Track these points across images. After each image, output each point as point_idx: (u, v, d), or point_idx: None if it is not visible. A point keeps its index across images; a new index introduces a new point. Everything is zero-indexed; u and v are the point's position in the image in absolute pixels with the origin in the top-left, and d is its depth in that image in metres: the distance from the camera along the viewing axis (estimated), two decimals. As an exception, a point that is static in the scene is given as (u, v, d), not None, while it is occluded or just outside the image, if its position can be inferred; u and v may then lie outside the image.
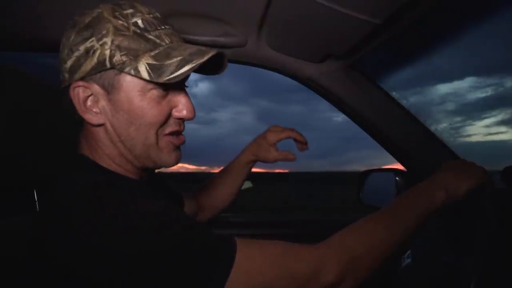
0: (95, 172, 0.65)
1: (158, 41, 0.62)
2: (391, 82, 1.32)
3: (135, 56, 0.60)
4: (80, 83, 0.62)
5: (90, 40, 0.60)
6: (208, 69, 0.70)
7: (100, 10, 0.61)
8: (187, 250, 0.52)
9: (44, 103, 0.71)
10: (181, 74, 0.58)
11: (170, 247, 0.51)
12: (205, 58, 0.59)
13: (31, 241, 0.58)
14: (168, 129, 0.67)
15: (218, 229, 1.46)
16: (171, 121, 0.67)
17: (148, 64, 0.59)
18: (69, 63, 0.62)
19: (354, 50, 1.05)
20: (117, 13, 0.61)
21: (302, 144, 1.07)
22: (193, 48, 0.62)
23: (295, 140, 1.07)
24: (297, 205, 13.94)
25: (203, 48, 0.62)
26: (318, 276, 0.57)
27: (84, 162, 0.67)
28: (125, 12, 0.62)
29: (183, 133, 0.72)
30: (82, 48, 0.60)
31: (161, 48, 0.61)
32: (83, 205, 0.54)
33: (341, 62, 1.20)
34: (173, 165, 0.70)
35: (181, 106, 0.67)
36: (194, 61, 0.59)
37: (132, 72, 0.59)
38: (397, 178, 1.36)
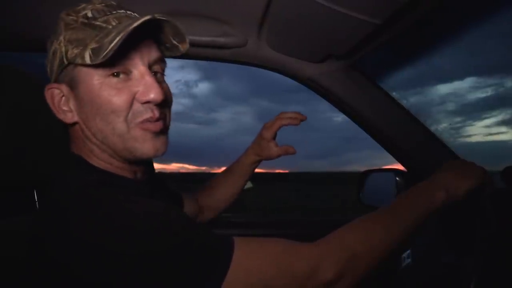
0: (88, 170, 0.65)
1: (104, 25, 0.60)
2: (391, 82, 1.32)
3: (84, 45, 0.59)
4: (53, 85, 0.64)
5: (54, 42, 0.63)
6: (170, 46, 0.69)
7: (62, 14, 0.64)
8: (186, 250, 0.52)
9: (44, 103, 0.71)
10: (113, 46, 0.54)
11: (168, 247, 0.51)
12: (135, 24, 0.55)
13: (31, 241, 0.58)
14: (140, 116, 0.63)
15: (219, 229, 1.46)
16: (140, 107, 0.63)
17: (92, 49, 0.57)
18: (48, 69, 0.66)
19: (354, 50, 1.05)
20: (70, 11, 0.63)
21: (299, 119, 1.03)
22: (130, 20, 0.59)
23: (291, 124, 1.05)
24: (297, 205, 13.93)
25: (139, 17, 0.58)
26: (317, 273, 0.57)
27: (78, 162, 0.67)
28: (78, 8, 0.63)
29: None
30: (51, 52, 0.64)
31: (105, 31, 0.59)
32: (79, 205, 0.54)
33: (341, 62, 1.20)
34: (154, 155, 0.66)
35: (143, 88, 0.62)
36: (124, 30, 0.55)
37: (79, 61, 0.58)
38: (397, 178, 1.36)
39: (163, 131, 0.68)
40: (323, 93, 1.30)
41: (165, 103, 0.67)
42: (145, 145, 0.65)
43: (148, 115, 0.64)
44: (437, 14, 0.93)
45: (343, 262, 0.59)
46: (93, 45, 0.57)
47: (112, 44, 0.54)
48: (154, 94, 0.62)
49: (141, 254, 0.50)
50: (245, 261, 0.54)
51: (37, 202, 0.87)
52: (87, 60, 0.57)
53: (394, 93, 1.30)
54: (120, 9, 0.64)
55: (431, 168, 0.88)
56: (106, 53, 0.55)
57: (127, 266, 0.50)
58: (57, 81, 0.64)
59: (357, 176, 1.49)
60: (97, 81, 0.61)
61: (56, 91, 0.64)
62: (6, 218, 0.76)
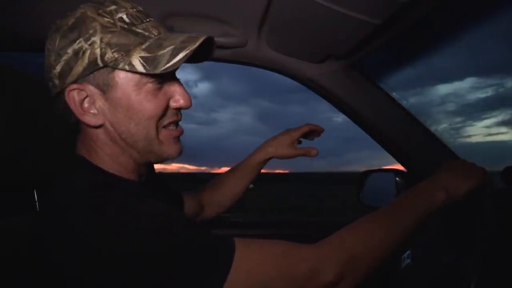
0: (93, 173, 0.65)
1: (146, 33, 0.62)
2: (391, 83, 1.32)
3: (127, 51, 0.59)
4: (74, 86, 0.61)
5: (78, 41, 0.59)
6: (198, 56, 0.69)
7: (83, 10, 0.61)
8: (186, 251, 0.52)
9: (44, 103, 0.71)
10: (177, 62, 0.58)
11: (169, 248, 0.51)
12: (197, 43, 0.59)
13: (31, 241, 0.58)
14: (166, 120, 0.67)
15: (219, 229, 1.46)
16: (169, 112, 0.67)
17: (141, 57, 0.59)
18: (58, 68, 0.61)
19: (354, 50, 1.05)
20: (100, 11, 0.60)
21: (319, 132, 1.12)
22: (183, 36, 0.61)
23: (314, 132, 1.12)
24: (297, 206, 13.93)
25: (193, 34, 0.62)
26: (318, 275, 0.57)
27: (83, 164, 0.66)
28: (108, 9, 0.61)
29: (180, 124, 0.72)
30: (70, 50, 0.59)
31: (151, 40, 0.61)
32: (82, 206, 0.54)
33: (341, 62, 1.20)
34: (176, 157, 0.70)
35: (177, 96, 0.67)
36: (187, 48, 0.59)
37: (127, 67, 0.59)
38: (397, 179, 1.36)
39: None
40: (323, 93, 1.30)
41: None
42: (171, 148, 0.68)
43: (173, 118, 0.68)
44: (437, 14, 0.93)
45: (343, 264, 0.59)
46: (142, 53, 0.59)
47: (176, 60, 0.58)
48: (186, 101, 0.67)
49: (141, 255, 0.50)
50: (245, 262, 0.54)
51: (37, 202, 0.87)
52: (139, 68, 0.58)
53: (394, 93, 1.30)
54: (150, 17, 0.65)
55: (431, 168, 0.88)
56: (170, 66, 0.58)
57: (128, 267, 0.50)
58: (76, 82, 0.61)
59: (357, 177, 1.49)
60: (135, 87, 0.62)
61: (79, 92, 0.62)
62: (6, 218, 0.76)
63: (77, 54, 0.59)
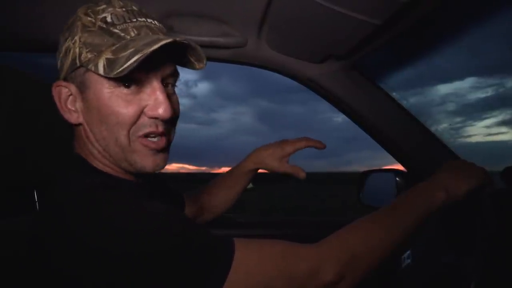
0: (91, 173, 0.65)
1: (122, 34, 0.59)
2: (391, 83, 1.32)
3: (99, 52, 0.58)
4: (62, 83, 0.63)
5: (68, 39, 0.61)
6: (188, 60, 0.67)
7: (79, 10, 0.62)
8: (186, 251, 0.52)
9: (44, 103, 0.71)
10: (128, 66, 0.54)
11: (169, 248, 0.51)
12: (154, 47, 0.54)
13: (31, 241, 0.58)
14: (142, 130, 0.62)
15: (219, 229, 1.46)
16: (146, 121, 0.62)
17: (107, 59, 0.56)
18: (58, 64, 0.64)
19: (354, 50, 1.05)
20: (89, 10, 0.61)
21: (320, 147, 1.05)
22: (149, 38, 0.57)
23: (316, 147, 1.06)
24: (297, 206, 13.92)
25: (162, 36, 0.58)
26: (317, 275, 0.57)
27: (80, 163, 0.67)
28: (97, 8, 0.61)
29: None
30: (63, 48, 0.62)
31: (123, 42, 0.58)
32: (80, 206, 0.54)
33: (341, 62, 1.20)
34: (152, 171, 0.65)
35: (153, 103, 0.61)
36: (143, 51, 0.54)
37: (93, 68, 0.58)
38: (397, 179, 1.36)
39: (165, 148, 0.67)
40: (323, 93, 1.30)
41: (171, 120, 0.66)
42: (145, 160, 0.64)
43: (151, 129, 0.63)
44: (437, 14, 0.93)
45: (343, 263, 0.59)
46: (108, 55, 0.57)
47: (129, 63, 0.54)
48: (163, 110, 0.61)
49: (141, 255, 0.50)
50: (245, 262, 0.54)
51: (37, 202, 0.87)
52: (101, 70, 0.56)
53: (394, 93, 1.30)
54: (141, 16, 0.62)
55: (431, 168, 0.88)
56: (121, 70, 0.54)
57: (128, 267, 0.50)
58: (66, 79, 0.63)
59: (357, 177, 1.49)
60: (107, 89, 0.60)
61: (64, 90, 0.63)
62: (6, 218, 0.76)
63: (66, 52, 0.61)
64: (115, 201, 0.55)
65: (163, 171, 0.70)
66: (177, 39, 0.57)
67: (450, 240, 0.88)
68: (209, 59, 1.20)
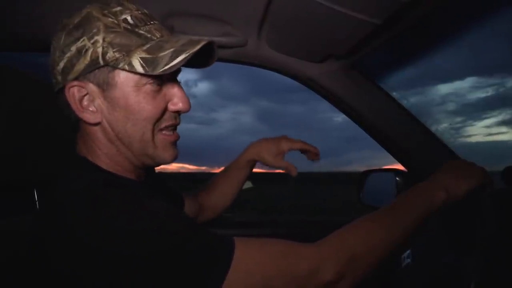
0: (92, 172, 0.65)
1: (149, 35, 0.62)
2: (391, 82, 1.32)
3: (128, 52, 0.60)
4: (75, 83, 0.62)
5: (81, 39, 0.60)
6: (199, 60, 0.70)
7: (89, 10, 0.62)
8: (186, 250, 0.52)
9: (44, 103, 0.72)
10: (176, 64, 0.58)
11: (169, 247, 0.51)
12: (197, 47, 0.59)
13: (31, 241, 0.58)
14: (164, 123, 0.67)
15: (219, 229, 1.46)
16: (167, 115, 0.67)
17: (142, 58, 0.59)
18: (61, 64, 0.62)
19: (354, 50, 1.05)
20: (105, 11, 0.61)
21: (314, 155, 1.09)
22: (184, 39, 0.62)
23: (306, 151, 1.10)
24: (298, 205, 13.93)
25: (194, 38, 0.63)
26: (318, 274, 0.57)
27: (83, 163, 0.67)
28: (114, 10, 0.62)
29: (178, 130, 0.72)
30: (73, 48, 0.61)
31: (153, 42, 0.62)
32: (81, 205, 0.54)
33: (341, 62, 1.20)
34: (170, 162, 0.70)
35: (176, 99, 0.67)
36: (187, 51, 0.59)
37: (127, 67, 0.59)
38: (397, 178, 1.36)
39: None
40: (323, 93, 1.30)
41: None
42: (166, 152, 0.68)
43: (171, 122, 0.68)
44: (437, 14, 0.93)
45: (343, 263, 0.59)
46: (142, 54, 0.59)
47: (175, 62, 0.58)
48: (185, 104, 0.67)
49: (141, 254, 0.50)
50: (245, 261, 0.54)
51: (37, 202, 0.87)
52: (139, 68, 0.59)
53: (394, 93, 1.30)
54: (154, 19, 0.66)
55: (431, 168, 0.88)
56: (168, 68, 0.58)
57: (128, 266, 0.50)
58: (77, 79, 0.62)
59: (357, 176, 1.49)
60: (135, 87, 0.62)
61: (79, 89, 0.63)
62: (6, 218, 0.76)
63: (80, 52, 0.60)
64: (116, 199, 0.55)
65: (163, 171, 0.71)
66: (210, 39, 0.63)
67: (450, 240, 0.88)
68: (211, 64, 1.20)
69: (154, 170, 0.90)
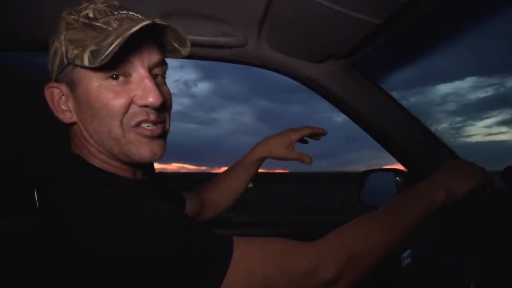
0: (89, 171, 0.65)
1: (105, 26, 0.59)
2: (391, 82, 1.32)
3: (84, 46, 0.58)
4: (53, 84, 0.64)
5: (55, 41, 0.62)
6: (172, 50, 0.69)
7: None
8: (186, 249, 0.52)
9: (44, 103, 0.71)
10: (111, 51, 0.54)
11: (168, 247, 0.51)
12: (133, 30, 0.55)
13: (31, 241, 0.58)
14: (134, 119, 0.63)
15: (219, 229, 1.46)
16: (137, 110, 0.63)
17: (91, 51, 0.57)
18: (49, 67, 0.65)
19: (354, 50, 1.05)
20: (72, 10, 0.62)
21: (322, 132, 1.11)
22: (131, 24, 0.57)
23: (315, 135, 1.11)
24: (298, 205, 13.92)
25: (137, 19, 0.60)
26: (317, 272, 0.57)
27: (79, 162, 0.67)
28: (80, 7, 0.62)
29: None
30: (52, 51, 0.63)
31: (105, 33, 0.58)
32: (81, 205, 0.54)
33: (341, 62, 1.19)
34: (150, 159, 0.65)
35: (141, 92, 0.62)
36: (123, 35, 0.55)
37: (79, 62, 0.58)
38: (397, 178, 1.36)
39: (161, 135, 0.67)
40: (323, 93, 1.29)
41: (163, 107, 0.66)
42: (140, 149, 0.64)
43: (142, 117, 0.63)
44: (438, 14, 0.93)
45: (343, 262, 0.59)
46: (92, 47, 0.57)
47: (110, 48, 0.54)
48: (152, 98, 0.61)
49: (141, 254, 0.50)
50: (245, 260, 0.54)
51: (37, 202, 0.87)
52: (86, 62, 0.57)
53: (394, 93, 1.30)
54: (122, 10, 0.63)
55: (431, 168, 0.88)
56: (104, 57, 0.54)
57: (127, 266, 0.50)
58: (57, 80, 0.64)
59: (357, 176, 1.49)
60: (95, 83, 0.61)
61: (56, 91, 0.64)
62: (6, 218, 0.76)
63: (55, 53, 0.62)
64: (115, 199, 0.55)
65: (163, 171, 0.71)
66: (155, 20, 0.58)
67: (450, 240, 0.88)
68: (210, 58, 1.20)
69: (153, 169, 0.90)
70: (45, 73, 0.69)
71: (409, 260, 1.00)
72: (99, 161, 0.67)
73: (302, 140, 1.12)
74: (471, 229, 0.81)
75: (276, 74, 1.29)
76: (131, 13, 0.64)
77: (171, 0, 0.96)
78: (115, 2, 0.64)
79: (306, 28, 0.96)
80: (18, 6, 0.92)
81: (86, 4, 0.62)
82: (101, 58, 0.55)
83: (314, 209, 12.45)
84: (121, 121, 0.62)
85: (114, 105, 0.61)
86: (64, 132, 0.70)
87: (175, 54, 0.70)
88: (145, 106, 0.63)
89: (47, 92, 0.64)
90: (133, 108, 0.63)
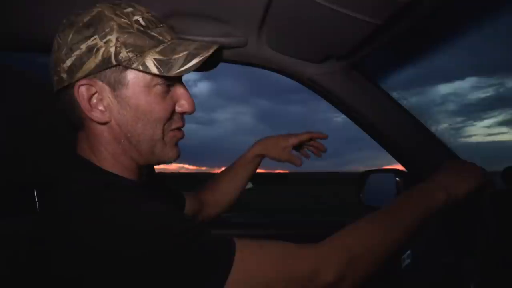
0: (93, 173, 0.65)
1: (161, 38, 0.64)
2: (391, 83, 1.32)
3: (141, 53, 0.60)
4: (84, 81, 0.61)
5: (93, 38, 0.59)
6: (204, 64, 0.70)
7: (100, 9, 0.61)
8: (187, 251, 0.52)
9: (44, 103, 0.71)
10: (191, 66, 0.60)
11: (170, 248, 0.51)
12: (210, 51, 0.61)
13: (31, 242, 0.58)
14: (174, 124, 0.68)
15: (219, 229, 1.46)
16: (176, 116, 0.69)
17: (155, 59, 0.60)
18: (68, 62, 0.60)
19: (354, 50, 1.05)
20: (118, 12, 0.62)
21: (322, 137, 1.15)
22: (196, 44, 0.64)
23: (314, 139, 1.14)
24: (298, 206, 13.93)
25: (205, 43, 0.65)
26: (318, 275, 0.57)
27: (84, 164, 0.66)
28: (126, 11, 0.63)
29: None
30: (83, 46, 0.59)
31: (165, 44, 0.63)
32: (82, 206, 0.54)
33: (341, 62, 1.19)
34: (176, 160, 0.71)
35: (183, 100, 0.68)
36: (200, 55, 0.61)
37: (141, 67, 0.60)
38: (397, 179, 1.35)
39: None
40: (323, 93, 1.29)
41: None
42: (172, 151, 0.70)
43: (180, 123, 0.70)
44: (437, 14, 0.93)
45: (343, 264, 0.59)
46: (156, 55, 0.60)
47: (190, 65, 0.60)
48: (191, 106, 0.69)
49: (142, 256, 0.50)
50: (246, 263, 0.54)
51: (37, 203, 0.87)
52: (153, 69, 0.60)
53: (394, 94, 1.30)
54: (162, 22, 0.67)
55: (431, 168, 0.88)
56: (183, 70, 0.60)
57: (128, 268, 0.50)
58: (85, 77, 0.61)
59: (357, 177, 1.49)
60: (145, 87, 0.63)
61: (88, 88, 0.62)
62: (6, 218, 0.76)
63: (91, 50, 0.59)
64: (118, 201, 0.55)
65: (163, 171, 0.72)
66: (220, 46, 0.65)
67: (450, 241, 0.88)
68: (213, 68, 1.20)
69: (154, 171, 0.90)
70: (45, 73, 0.69)
71: (409, 260, 1.00)
72: (114, 161, 0.66)
73: (301, 150, 1.15)
74: (471, 230, 0.81)
75: (276, 74, 1.29)
76: (164, 25, 0.68)
77: (172, 1, 0.96)
78: (154, 13, 0.67)
79: (306, 29, 0.96)
80: (18, 6, 0.92)
81: (131, 9, 0.63)
82: (179, 70, 0.60)
83: (314, 210, 12.44)
84: (164, 125, 0.66)
85: (161, 110, 0.65)
86: (65, 132, 0.70)
87: (201, 69, 0.73)
88: (184, 113, 0.70)
89: (77, 90, 0.61)
90: (174, 115, 0.68)
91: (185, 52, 0.61)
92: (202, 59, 0.60)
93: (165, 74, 0.60)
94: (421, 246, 0.98)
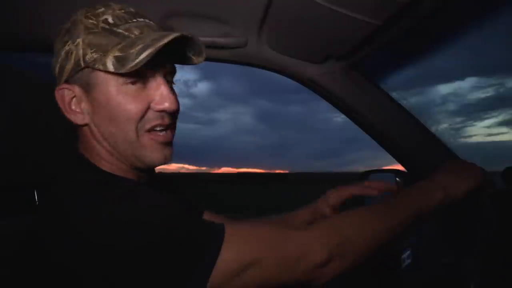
0: (91, 172, 0.65)
1: (126, 33, 0.61)
2: (391, 83, 1.32)
3: (105, 52, 0.60)
4: (64, 85, 0.63)
5: (68, 43, 0.62)
6: (185, 56, 0.69)
7: (76, 14, 0.63)
8: (175, 242, 0.52)
9: (44, 103, 0.71)
10: (142, 59, 0.56)
11: (158, 241, 0.52)
12: (165, 40, 0.57)
13: (31, 241, 0.58)
14: (149, 124, 0.64)
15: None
16: (152, 115, 0.64)
17: (115, 56, 0.58)
18: (56, 69, 0.64)
19: (354, 51, 1.05)
20: (89, 14, 0.62)
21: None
22: (156, 34, 0.60)
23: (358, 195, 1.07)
24: (298, 206, 13.90)
25: (167, 32, 0.61)
26: (307, 256, 0.58)
27: (83, 162, 0.67)
28: (97, 11, 0.63)
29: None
30: (63, 52, 0.62)
31: (128, 40, 0.60)
32: (81, 204, 0.54)
33: (341, 62, 1.19)
34: (161, 164, 0.68)
35: (159, 98, 0.64)
36: (154, 45, 0.57)
37: (101, 67, 0.59)
38: (397, 179, 1.35)
39: (171, 141, 0.70)
40: (323, 93, 1.29)
41: (176, 113, 0.68)
42: (154, 154, 0.66)
43: (157, 121, 0.65)
44: (437, 14, 0.93)
45: (332, 246, 0.60)
46: (116, 53, 0.59)
47: (141, 57, 0.56)
48: (169, 103, 0.64)
49: (139, 248, 0.51)
50: (236, 241, 0.55)
51: (37, 202, 0.87)
52: (110, 67, 0.58)
53: (394, 94, 1.30)
54: (140, 17, 0.65)
55: (431, 168, 0.88)
56: (134, 65, 0.57)
57: (127, 261, 0.50)
58: (67, 82, 0.64)
59: (357, 177, 1.49)
60: (114, 87, 0.62)
61: (67, 92, 0.64)
62: (6, 218, 0.76)
63: (67, 55, 0.62)
64: (116, 197, 0.56)
65: (162, 171, 0.71)
66: (184, 33, 0.60)
67: (450, 241, 0.88)
68: (210, 59, 1.20)
69: (153, 171, 0.89)
70: (45, 73, 0.69)
71: (409, 260, 1.00)
72: (107, 163, 0.67)
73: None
74: (471, 230, 0.81)
75: (276, 75, 1.29)
76: (146, 20, 0.66)
77: (172, 1, 0.96)
78: (131, 9, 0.66)
79: (306, 29, 0.96)
80: (18, 6, 0.92)
81: (103, 9, 0.63)
82: (131, 65, 0.57)
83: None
84: (137, 125, 0.64)
85: (132, 109, 0.63)
86: (65, 132, 0.71)
87: (186, 61, 0.71)
88: (162, 111, 0.65)
89: (58, 94, 0.64)
90: (149, 113, 0.64)
91: (141, 45, 0.58)
92: (153, 50, 0.56)
93: (119, 71, 0.58)
94: (421, 246, 0.98)
